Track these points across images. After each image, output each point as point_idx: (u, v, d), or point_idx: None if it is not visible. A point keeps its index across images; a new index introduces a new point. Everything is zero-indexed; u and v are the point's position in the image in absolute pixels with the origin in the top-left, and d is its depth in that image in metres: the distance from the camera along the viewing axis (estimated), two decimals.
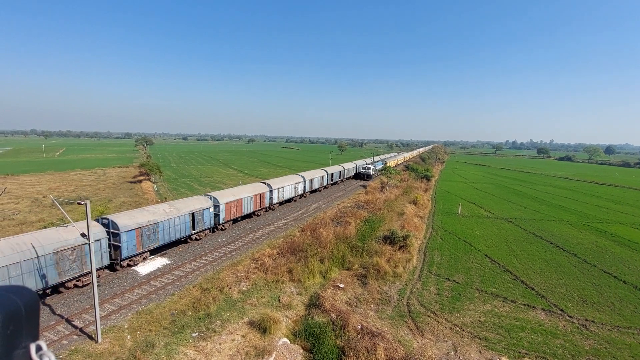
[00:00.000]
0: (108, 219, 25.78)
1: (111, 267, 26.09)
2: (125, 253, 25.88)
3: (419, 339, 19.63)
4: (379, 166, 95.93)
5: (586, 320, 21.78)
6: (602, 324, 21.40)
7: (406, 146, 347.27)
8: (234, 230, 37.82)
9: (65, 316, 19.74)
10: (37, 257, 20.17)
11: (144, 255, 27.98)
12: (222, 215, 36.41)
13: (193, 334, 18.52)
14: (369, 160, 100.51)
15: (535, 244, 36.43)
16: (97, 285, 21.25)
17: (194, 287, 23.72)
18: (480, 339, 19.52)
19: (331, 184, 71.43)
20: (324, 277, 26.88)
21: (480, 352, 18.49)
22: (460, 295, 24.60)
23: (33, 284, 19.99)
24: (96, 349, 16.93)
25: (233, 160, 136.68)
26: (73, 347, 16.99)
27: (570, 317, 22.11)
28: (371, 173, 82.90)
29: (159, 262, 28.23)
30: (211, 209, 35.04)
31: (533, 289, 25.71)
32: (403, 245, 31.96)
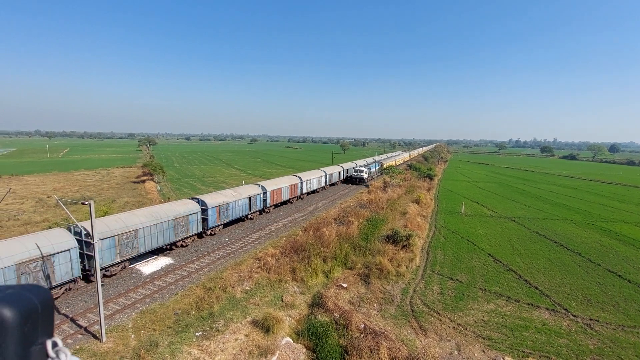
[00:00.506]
0: (198, 198, 34.09)
1: (199, 235, 33.74)
2: (210, 224, 33.93)
3: (422, 338, 19.61)
4: (375, 168, 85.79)
5: (590, 319, 21.66)
6: (606, 323, 21.28)
7: (409, 145, 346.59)
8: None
9: (70, 315, 19.89)
10: (170, 219, 28.97)
11: (219, 227, 35.40)
12: (268, 201, 44.40)
13: (197, 333, 18.61)
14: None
15: (539, 243, 36.26)
16: (103, 280, 21.38)
17: (197, 286, 23.83)
18: (484, 339, 19.47)
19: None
20: (327, 276, 26.90)
21: (483, 351, 18.45)
22: (463, 294, 24.54)
23: (166, 239, 28.60)
24: (101, 348, 17.06)
25: (236, 160, 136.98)
26: (78, 346, 17.13)
27: (574, 316, 22.00)
28: (364, 177, 73.64)
29: (162, 261, 28.37)
30: (261, 195, 43.10)
31: (537, 288, 25.61)
32: (406, 245, 31.91)
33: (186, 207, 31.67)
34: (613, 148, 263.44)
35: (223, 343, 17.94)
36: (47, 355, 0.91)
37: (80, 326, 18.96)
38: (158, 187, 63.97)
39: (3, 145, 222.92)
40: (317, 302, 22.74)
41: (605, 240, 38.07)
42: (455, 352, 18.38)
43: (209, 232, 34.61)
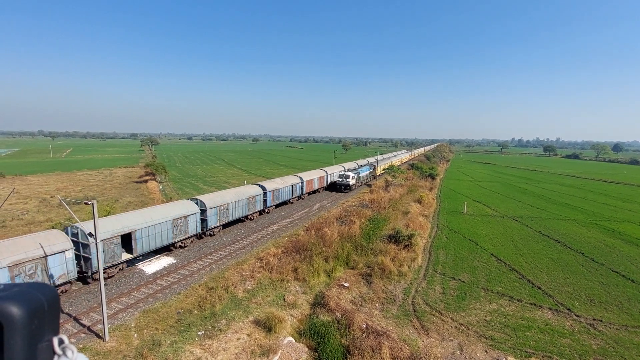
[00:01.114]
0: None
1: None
2: (269, 203, 44.26)
3: (424, 338, 19.58)
4: (365, 172, 73.41)
5: (594, 319, 21.55)
6: (610, 323, 21.16)
7: (411, 145, 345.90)
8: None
9: (74, 315, 19.99)
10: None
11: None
12: (304, 189, 54.00)
13: (199, 333, 18.66)
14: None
15: (542, 243, 36.11)
16: (104, 284, 21.47)
17: (199, 286, 23.89)
18: (486, 338, 19.41)
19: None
20: (329, 276, 26.90)
21: (486, 351, 18.40)
22: (465, 294, 24.48)
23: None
24: (104, 347, 17.13)
25: (237, 159, 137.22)
26: (81, 345, 17.20)
27: (577, 316, 21.90)
28: (350, 183, 62.47)
29: (164, 261, 28.46)
30: (300, 184, 52.46)
31: (540, 288, 25.50)
32: (408, 244, 31.87)
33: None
34: (616, 147, 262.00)
35: (225, 342, 17.98)
36: (54, 352, 0.92)
37: (83, 325, 19.05)
38: (160, 187, 64.19)
39: (7, 146, 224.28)
40: (319, 302, 22.75)
41: (608, 239, 37.87)
42: (458, 352, 18.34)
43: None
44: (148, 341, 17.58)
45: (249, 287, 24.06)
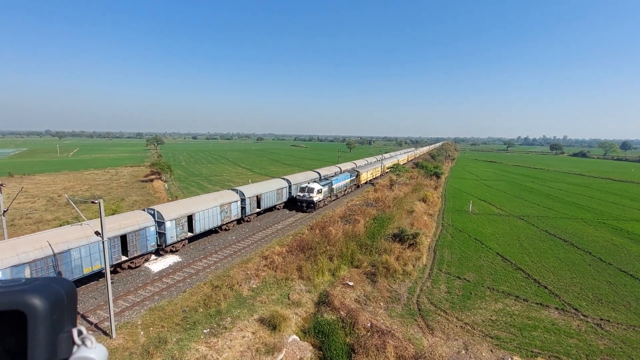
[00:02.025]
0: (285, 178, 49.21)
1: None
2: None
3: (429, 337, 19.53)
4: (340, 182, 55.49)
5: (601, 319, 21.33)
6: (617, 323, 20.93)
7: (415, 143, 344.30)
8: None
9: (81, 312, 20.25)
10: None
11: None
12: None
13: (204, 331, 18.80)
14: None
15: (548, 242, 35.79)
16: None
17: (204, 284, 24.04)
18: (492, 338, 19.31)
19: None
20: (333, 275, 26.94)
21: (491, 351, 18.30)
22: (471, 293, 24.35)
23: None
24: (111, 344, 17.33)
25: (242, 158, 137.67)
26: None
27: (584, 316, 21.69)
28: (314, 199, 45.00)
29: (170, 259, 28.69)
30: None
31: (546, 288, 25.29)
32: (413, 243, 31.77)
33: (229, 196, 36.77)
34: (625, 145, 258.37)
35: (230, 340, 18.09)
36: (74, 342, 0.98)
37: (90, 322, 19.29)
38: (166, 185, 64.65)
39: (15, 145, 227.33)
40: (323, 301, 22.79)
41: (616, 239, 37.41)
42: (463, 352, 18.27)
43: (245, 218, 39.26)
44: (154, 338, 17.76)
45: (253, 286, 24.17)
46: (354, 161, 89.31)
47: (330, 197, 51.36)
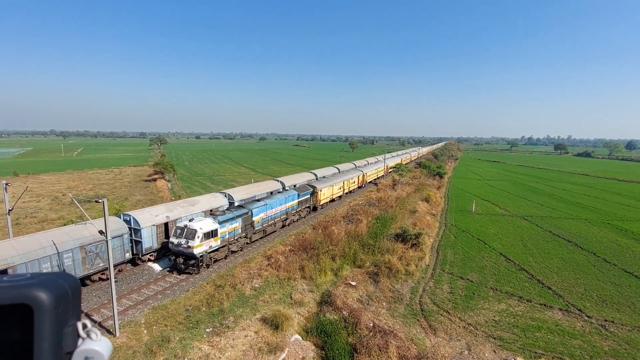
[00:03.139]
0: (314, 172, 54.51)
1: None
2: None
3: (431, 337, 19.49)
4: (271, 209, 34.09)
5: (605, 320, 21.18)
6: (622, 324, 20.78)
7: (418, 143, 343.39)
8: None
9: (85, 310, 20.39)
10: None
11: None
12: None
13: (207, 330, 18.87)
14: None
15: (552, 243, 35.58)
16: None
17: (207, 283, 24.12)
18: (495, 339, 19.24)
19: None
20: (336, 274, 26.94)
21: (494, 351, 18.24)
22: (474, 294, 24.27)
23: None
24: (114, 343, 17.42)
25: (245, 158, 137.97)
26: None
27: (588, 317, 21.55)
28: (196, 250, 24.31)
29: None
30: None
31: (550, 288, 25.15)
32: (415, 243, 31.71)
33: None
34: (630, 145, 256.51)
35: (233, 339, 18.15)
36: (79, 335, 1.00)
37: (94, 321, 19.40)
38: (169, 185, 64.93)
39: (20, 145, 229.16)
40: (325, 300, 22.80)
41: (621, 239, 37.12)
42: (466, 352, 18.21)
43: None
44: (157, 337, 17.85)
45: (256, 285, 24.23)
46: (354, 161, 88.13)
47: (246, 236, 31.01)
